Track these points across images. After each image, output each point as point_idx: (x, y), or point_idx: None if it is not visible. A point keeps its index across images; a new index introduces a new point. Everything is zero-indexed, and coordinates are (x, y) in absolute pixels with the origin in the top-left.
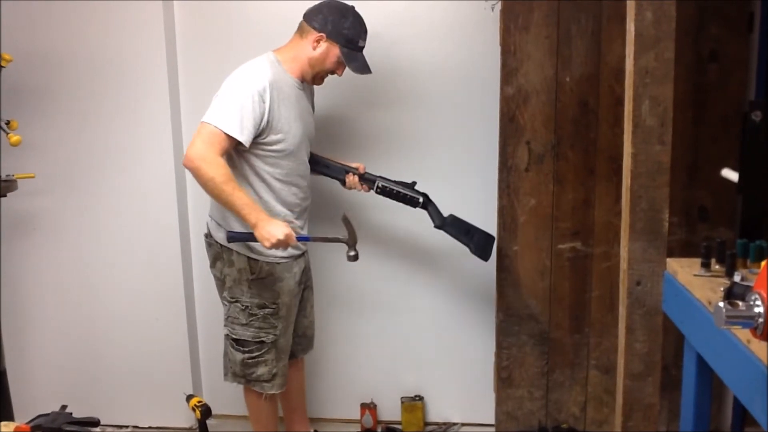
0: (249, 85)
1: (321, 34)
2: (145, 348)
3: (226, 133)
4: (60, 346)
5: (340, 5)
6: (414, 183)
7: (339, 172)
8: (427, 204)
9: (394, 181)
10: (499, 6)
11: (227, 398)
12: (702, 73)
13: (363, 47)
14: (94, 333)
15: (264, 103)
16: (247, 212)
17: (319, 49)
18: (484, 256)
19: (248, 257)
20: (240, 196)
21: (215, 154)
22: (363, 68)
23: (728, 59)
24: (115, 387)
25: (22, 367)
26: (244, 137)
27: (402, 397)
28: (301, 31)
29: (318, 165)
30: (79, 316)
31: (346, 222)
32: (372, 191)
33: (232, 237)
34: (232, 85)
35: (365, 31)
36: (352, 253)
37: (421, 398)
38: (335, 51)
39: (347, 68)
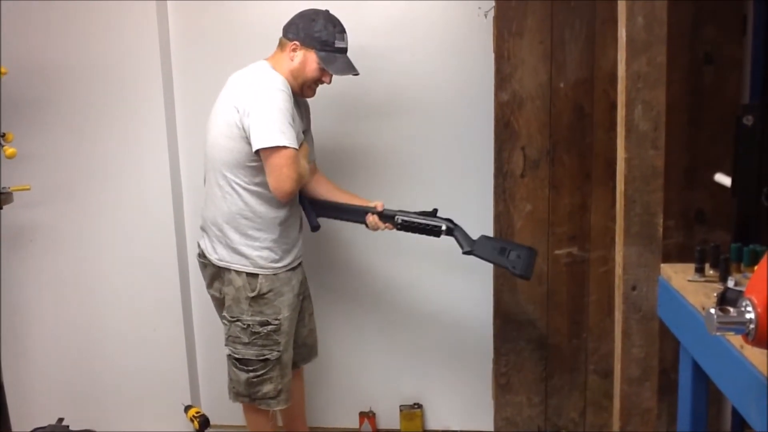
0: (281, 92)
1: (295, 42)
2: (143, 359)
3: (290, 147)
4: (57, 358)
5: (311, 11)
6: (435, 210)
7: (359, 215)
8: (452, 230)
9: (414, 213)
10: (492, 12)
11: (225, 409)
12: (697, 76)
13: (343, 48)
14: (91, 344)
15: (292, 107)
16: None
17: (297, 58)
18: (526, 274)
19: (247, 273)
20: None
21: (297, 171)
22: (344, 69)
23: (724, 61)
24: (113, 398)
25: (19, 380)
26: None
27: (401, 405)
28: (280, 45)
29: (337, 211)
30: (76, 327)
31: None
32: (394, 228)
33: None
34: (270, 101)
35: (341, 31)
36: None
37: (419, 406)
38: (312, 57)
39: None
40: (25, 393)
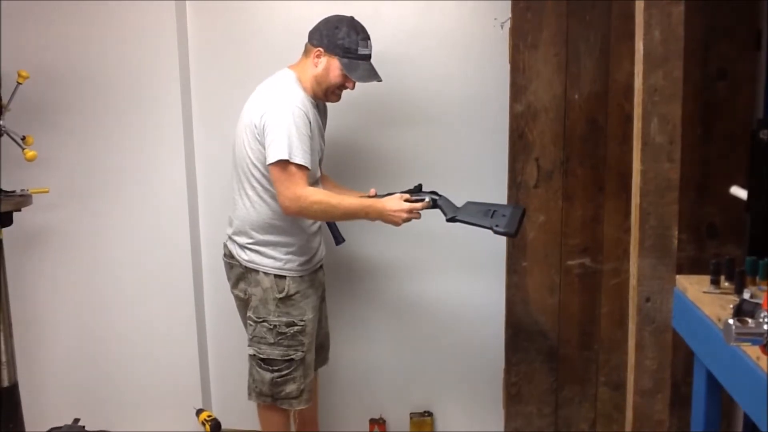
0: (297, 110)
1: (319, 49)
2: (156, 362)
3: (299, 165)
4: (72, 360)
5: (335, 18)
6: (420, 186)
7: None
8: (436, 201)
9: (400, 193)
10: (508, 24)
11: (237, 412)
12: (711, 90)
13: (367, 55)
14: (104, 346)
15: (310, 123)
16: (364, 214)
17: (321, 64)
18: (509, 230)
19: (275, 275)
20: (349, 204)
21: (303, 188)
22: (367, 76)
23: (737, 76)
24: (125, 400)
25: (34, 380)
26: (309, 162)
27: (411, 413)
28: (306, 51)
29: None
30: (90, 329)
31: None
32: None
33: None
34: (284, 116)
35: (364, 38)
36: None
37: (430, 414)
38: (336, 63)
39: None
40: (38, 394)
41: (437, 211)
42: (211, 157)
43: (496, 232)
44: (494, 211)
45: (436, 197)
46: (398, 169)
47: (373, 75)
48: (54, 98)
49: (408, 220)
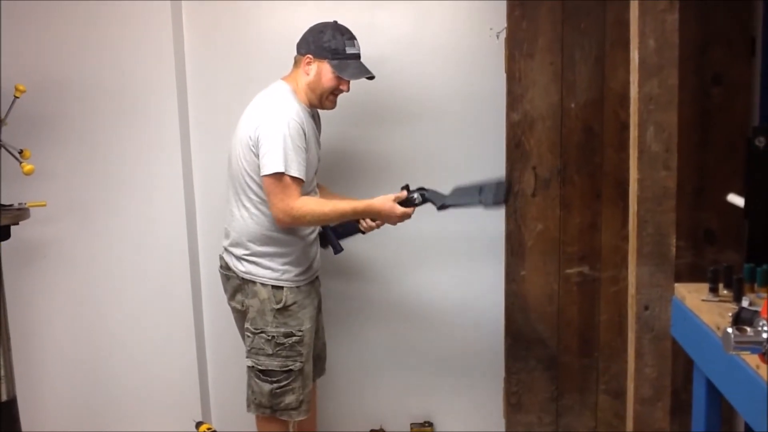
0: (293, 122)
1: (308, 56)
2: (155, 374)
3: (293, 176)
4: (69, 373)
5: (319, 24)
6: (406, 186)
7: (352, 225)
8: (425, 196)
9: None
10: (503, 33)
11: (237, 424)
12: (707, 97)
13: (355, 54)
14: (103, 360)
15: (305, 135)
16: (360, 216)
17: (311, 70)
18: (496, 202)
19: (272, 286)
20: (342, 209)
21: (295, 200)
22: (358, 73)
23: (732, 82)
24: (125, 413)
25: (31, 394)
26: (303, 174)
27: (411, 423)
28: (296, 62)
29: (333, 230)
30: (89, 343)
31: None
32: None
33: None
34: (279, 128)
35: (350, 38)
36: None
37: (430, 424)
38: (326, 67)
39: (352, 82)
40: (37, 408)
41: (432, 216)
42: (209, 166)
43: (486, 209)
44: (481, 188)
45: (424, 191)
46: (393, 177)
47: (364, 71)
48: (50, 110)
49: (401, 220)
